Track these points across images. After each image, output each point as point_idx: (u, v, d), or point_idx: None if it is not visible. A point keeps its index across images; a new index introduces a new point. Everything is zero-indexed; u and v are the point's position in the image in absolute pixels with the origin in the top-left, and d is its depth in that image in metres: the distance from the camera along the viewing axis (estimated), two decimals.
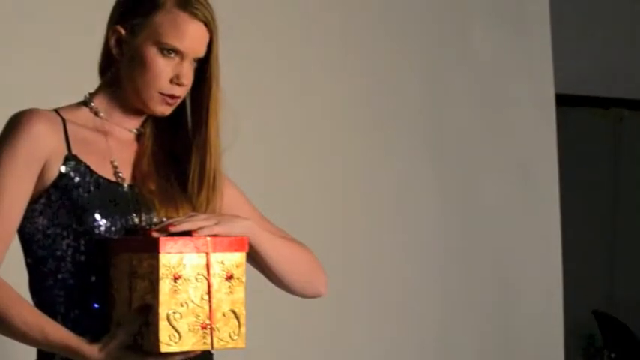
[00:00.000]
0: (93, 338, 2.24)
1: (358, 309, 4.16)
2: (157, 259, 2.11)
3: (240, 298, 2.19)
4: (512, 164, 4.47)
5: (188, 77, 2.29)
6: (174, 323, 2.13)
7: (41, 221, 2.28)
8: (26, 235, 2.31)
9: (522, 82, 4.49)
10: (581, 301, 5.52)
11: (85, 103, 2.36)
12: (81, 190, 2.28)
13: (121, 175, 2.33)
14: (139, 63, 2.29)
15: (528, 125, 4.50)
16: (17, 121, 2.28)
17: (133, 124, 2.37)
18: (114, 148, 2.35)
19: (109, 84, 2.36)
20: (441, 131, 4.38)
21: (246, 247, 2.22)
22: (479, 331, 4.39)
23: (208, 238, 2.17)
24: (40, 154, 2.28)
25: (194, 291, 2.15)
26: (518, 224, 4.48)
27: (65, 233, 2.26)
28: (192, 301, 2.14)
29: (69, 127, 2.31)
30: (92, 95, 2.37)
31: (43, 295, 2.30)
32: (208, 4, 2.31)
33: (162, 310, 2.11)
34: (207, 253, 2.17)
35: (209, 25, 2.29)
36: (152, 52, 2.28)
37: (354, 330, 4.16)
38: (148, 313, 2.14)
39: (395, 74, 4.29)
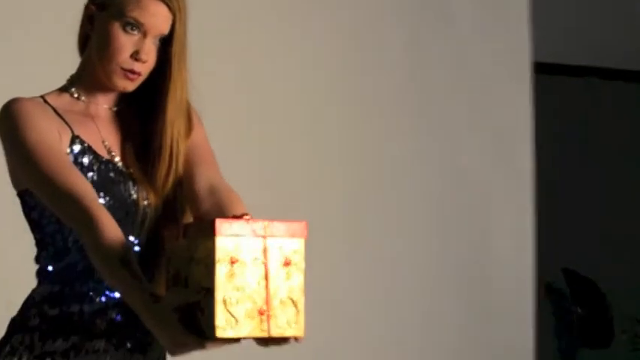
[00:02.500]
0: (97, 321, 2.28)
1: (341, 259, 4.15)
2: (213, 242, 1.99)
3: (298, 286, 2.06)
4: (488, 127, 4.48)
5: (148, 54, 2.29)
6: (231, 308, 2.00)
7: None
8: (34, 217, 2.33)
9: (499, 49, 4.49)
10: (552, 258, 5.52)
11: (65, 89, 2.38)
12: (86, 168, 2.29)
13: (113, 153, 2.35)
14: (103, 37, 2.30)
15: (506, 89, 4.51)
16: (15, 111, 2.28)
17: (111, 99, 2.38)
18: (102, 129, 2.36)
19: (85, 62, 2.38)
20: (422, 96, 4.38)
21: (306, 234, 2.09)
22: (453, 289, 4.39)
23: (266, 222, 2.04)
24: (55, 129, 2.29)
25: (251, 276, 2.02)
26: (493, 186, 4.50)
27: None
28: (250, 287, 2.02)
29: (60, 112, 2.32)
30: (72, 80, 2.39)
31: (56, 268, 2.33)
32: None
33: (219, 295, 1.99)
34: (264, 238, 2.04)
35: (171, 6, 2.29)
36: (115, 28, 2.28)
37: (339, 284, 4.14)
38: (204, 296, 2.03)
39: (377, 41, 4.29)
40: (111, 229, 2.13)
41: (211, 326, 1.98)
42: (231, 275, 2.00)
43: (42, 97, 2.33)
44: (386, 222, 4.31)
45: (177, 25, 2.30)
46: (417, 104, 4.39)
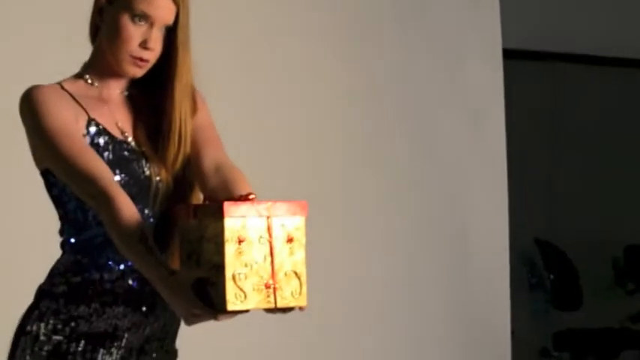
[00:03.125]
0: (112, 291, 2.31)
1: (321, 233, 4.00)
2: (221, 223, 2.03)
3: (300, 260, 2.10)
4: (465, 110, 4.49)
5: (155, 42, 2.31)
6: (240, 283, 2.04)
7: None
8: (55, 194, 2.36)
9: (474, 37, 4.48)
10: (525, 230, 5.63)
11: (80, 75, 2.40)
12: (102, 149, 2.32)
13: (126, 134, 2.38)
14: (113, 28, 2.31)
15: (480, 73, 4.48)
16: (35, 97, 2.30)
17: (122, 84, 2.40)
18: (115, 112, 2.39)
19: (97, 50, 2.39)
20: (404, 82, 4.38)
21: (306, 212, 2.12)
22: (436, 260, 4.40)
23: (269, 203, 2.08)
24: (72, 113, 2.31)
25: (257, 253, 2.05)
26: (470, 164, 4.50)
27: None
28: (256, 263, 2.05)
29: (76, 97, 2.34)
30: (86, 67, 2.41)
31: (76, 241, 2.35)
32: None
33: (228, 271, 2.02)
34: (268, 217, 2.07)
35: None
36: (124, 19, 2.30)
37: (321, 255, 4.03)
38: (215, 272, 2.07)
39: (363, 35, 4.28)
40: (127, 208, 2.16)
41: (222, 300, 2.02)
42: (239, 253, 2.03)
43: (59, 83, 2.35)
44: (369, 198, 4.29)
45: (181, 15, 2.31)
46: (401, 94, 4.37)
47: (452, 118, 4.46)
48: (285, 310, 2.10)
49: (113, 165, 2.30)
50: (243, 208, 2.05)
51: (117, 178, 2.29)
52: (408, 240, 4.36)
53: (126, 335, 2.36)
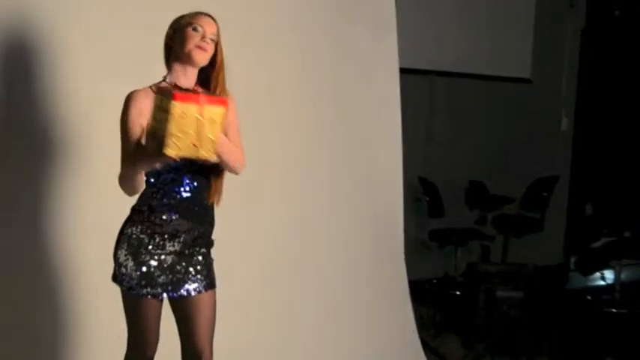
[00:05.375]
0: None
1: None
2: (171, 104, 2.03)
3: (217, 131, 2.08)
4: (375, 105, 4.19)
5: (208, 40, 2.35)
6: (178, 142, 2.05)
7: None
8: None
9: (381, 60, 4.14)
10: (412, 170, 5.47)
11: (163, 80, 2.44)
12: None
13: None
14: (183, 35, 2.37)
15: (382, 85, 4.19)
16: (127, 104, 2.33)
17: (190, 84, 2.42)
18: None
19: (170, 69, 2.43)
20: (334, 87, 3.95)
21: (226, 105, 2.10)
22: (354, 188, 4.00)
23: (203, 97, 2.06)
24: (142, 113, 2.30)
25: (191, 125, 2.04)
26: (379, 135, 4.18)
27: None
28: (189, 131, 2.04)
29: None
30: (165, 77, 2.45)
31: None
32: (213, 18, 2.39)
33: (173, 133, 2.04)
34: (201, 105, 2.04)
35: (216, 21, 2.38)
36: (189, 30, 2.35)
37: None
38: (167, 134, 2.06)
39: (302, 52, 3.76)
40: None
41: (167, 149, 2.05)
42: (180, 124, 2.02)
43: (150, 86, 2.38)
44: (302, 149, 3.79)
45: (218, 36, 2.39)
46: (331, 97, 3.92)
47: (367, 109, 4.12)
48: (203, 160, 2.13)
49: None
50: (185, 96, 2.04)
51: None
52: (334, 174, 3.91)
53: (183, 235, 2.42)
